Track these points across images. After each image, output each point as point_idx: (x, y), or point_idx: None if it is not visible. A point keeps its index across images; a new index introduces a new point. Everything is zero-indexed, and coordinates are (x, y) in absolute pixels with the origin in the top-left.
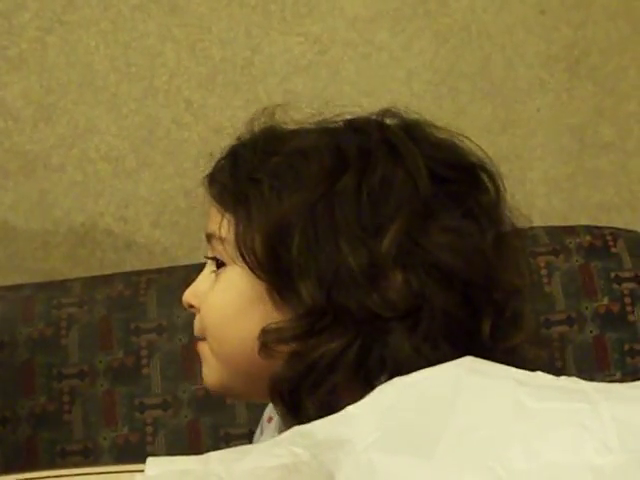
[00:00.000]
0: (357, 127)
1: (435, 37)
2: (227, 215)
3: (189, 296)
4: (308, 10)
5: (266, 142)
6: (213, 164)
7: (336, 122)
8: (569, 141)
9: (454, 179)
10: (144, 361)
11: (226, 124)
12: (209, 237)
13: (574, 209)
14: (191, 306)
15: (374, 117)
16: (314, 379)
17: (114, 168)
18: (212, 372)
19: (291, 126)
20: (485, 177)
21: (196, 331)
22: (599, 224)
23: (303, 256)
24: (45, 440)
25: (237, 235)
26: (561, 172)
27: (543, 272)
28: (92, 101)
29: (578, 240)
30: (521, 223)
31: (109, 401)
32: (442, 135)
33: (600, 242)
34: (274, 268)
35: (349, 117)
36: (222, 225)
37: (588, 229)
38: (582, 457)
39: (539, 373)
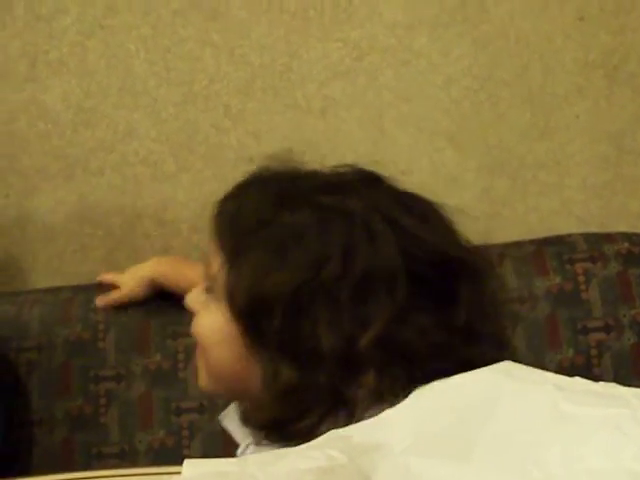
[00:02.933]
0: (346, 214)
1: (474, 43)
2: (222, 256)
3: (191, 302)
4: (347, 16)
5: (272, 197)
6: (223, 196)
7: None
8: (607, 148)
9: (429, 276)
10: (181, 365)
11: (264, 129)
12: (207, 262)
13: (612, 216)
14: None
15: (361, 188)
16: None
17: (153, 172)
18: (202, 378)
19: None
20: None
21: (194, 334)
22: (637, 231)
23: (280, 333)
24: (81, 442)
25: (227, 283)
26: (599, 179)
27: (581, 279)
28: (132, 105)
29: (616, 247)
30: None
31: (145, 404)
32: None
33: (638, 249)
34: (253, 329)
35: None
36: (216, 261)
37: (626, 236)
38: (620, 462)
39: (577, 378)
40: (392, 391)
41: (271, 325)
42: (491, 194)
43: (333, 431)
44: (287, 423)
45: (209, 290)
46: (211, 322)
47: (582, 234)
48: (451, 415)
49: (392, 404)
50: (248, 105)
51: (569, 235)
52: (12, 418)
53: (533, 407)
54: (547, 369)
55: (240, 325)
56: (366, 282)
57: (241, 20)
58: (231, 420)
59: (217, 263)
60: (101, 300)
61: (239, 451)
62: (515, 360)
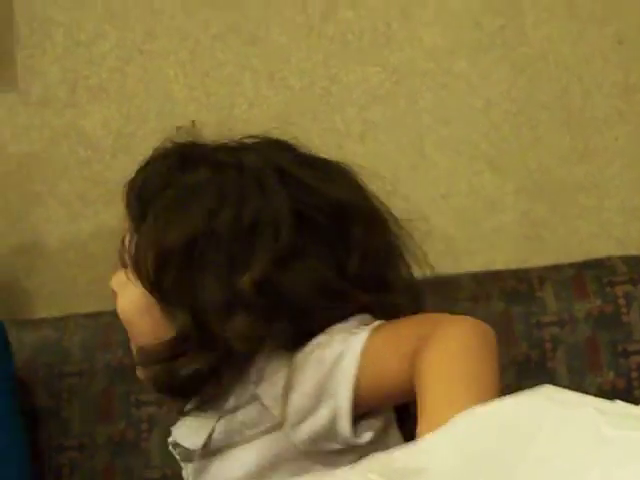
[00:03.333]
0: (239, 166)
1: (513, 67)
2: (130, 227)
3: (113, 283)
4: (386, 40)
5: (174, 163)
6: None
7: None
8: None
9: (321, 221)
10: None
11: None
12: (121, 242)
13: None
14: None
15: (262, 148)
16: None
17: None
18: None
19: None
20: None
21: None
22: None
23: (178, 286)
24: (123, 467)
25: (135, 251)
26: (638, 201)
27: (621, 302)
28: (171, 130)
29: None
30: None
31: None
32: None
33: None
34: (158, 289)
35: (246, 143)
36: (126, 234)
37: None
38: None
39: (619, 402)
40: (278, 339)
41: (169, 279)
42: (530, 217)
43: (374, 454)
44: (184, 380)
45: (124, 266)
46: (129, 298)
47: (622, 257)
48: (492, 440)
49: (289, 358)
50: (287, 129)
51: (609, 258)
52: (52, 443)
53: (574, 431)
54: (587, 392)
55: (147, 286)
56: (253, 229)
57: (280, 45)
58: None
59: (127, 238)
60: None
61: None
62: (555, 383)
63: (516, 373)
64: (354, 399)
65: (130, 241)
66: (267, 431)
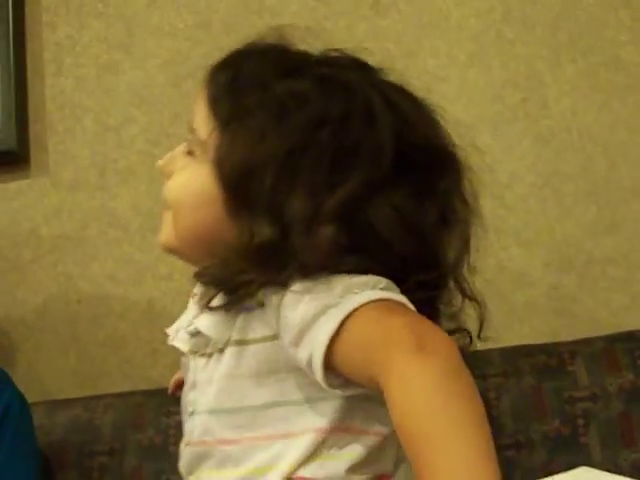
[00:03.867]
0: (347, 85)
1: (536, 140)
2: (214, 122)
3: (165, 164)
4: None
5: (272, 65)
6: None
7: (340, 62)
8: None
9: (417, 161)
10: None
11: None
12: (191, 128)
13: None
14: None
15: (361, 67)
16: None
17: None
18: (167, 236)
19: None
20: (449, 163)
21: (163, 197)
22: None
23: (268, 195)
24: None
25: (218, 149)
26: None
27: None
28: None
29: None
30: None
31: None
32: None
33: None
34: (241, 193)
35: (342, 59)
36: (206, 127)
37: None
38: None
39: None
40: (346, 265)
41: (258, 188)
42: (559, 290)
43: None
44: (241, 280)
45: (191, 154)
46: (192, 184)
47: None
48: None
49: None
50: None
51: (638, 331)
52: None
53: None
54: (622, 468)
55: (227, 188)
56: (354, 150)
57: None
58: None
59: (206, 129)
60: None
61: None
62: (588, 460)
63: (549, 449)
64: (327, 352)
65: (210, 136)
66: (274, 337)
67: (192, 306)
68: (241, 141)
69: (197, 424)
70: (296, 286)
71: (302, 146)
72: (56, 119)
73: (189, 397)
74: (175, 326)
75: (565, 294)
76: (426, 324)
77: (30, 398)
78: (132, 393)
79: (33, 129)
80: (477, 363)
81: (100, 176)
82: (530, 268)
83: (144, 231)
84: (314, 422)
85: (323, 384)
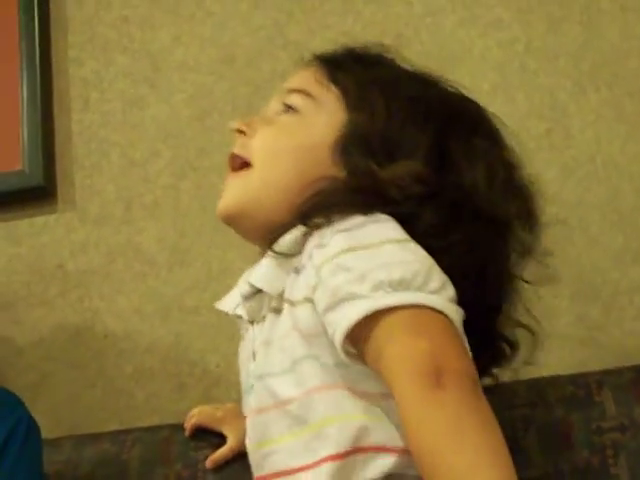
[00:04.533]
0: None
1: (562, 170)
2: (339, 103)
3: (247, 123)
4: None
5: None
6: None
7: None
8: None
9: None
10: None
11: None
12: (290, 90)
13: None
14: (241, 131)
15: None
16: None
17: None
18: (234, 200)
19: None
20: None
21: (241, 153)
22: None
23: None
24: None
25: (344, 123)
26: None
27: None
28: (225, 244)
29: None
30: None
31: None
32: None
33: None
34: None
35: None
36: (320, 86)
37: None
38: None
39: None
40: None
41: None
42: (586, 321)
43: None
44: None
45: (291, 110)
46: (302, 132)
47: None
48: None
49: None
50: None
51: None
52: None
53: None
54: None
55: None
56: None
57: None
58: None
59: (319, 88)
60: (212, 462)
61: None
62: None
63: None
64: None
65: (334, 110)
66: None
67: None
68: (368, 121)
69: (260, 391)
70: (341, 240)
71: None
72: (82, 154)
73: (250, 369)
74: (226, 300)
75: (592, 324)
76: (450, 352)
77: (57, 433)
78: (159, 427)
79: (60, 164)
80: (505, 394)
81: (126, 210)
82: (557, 298)
83: (170, 265)
84: None
85: (342, 355)
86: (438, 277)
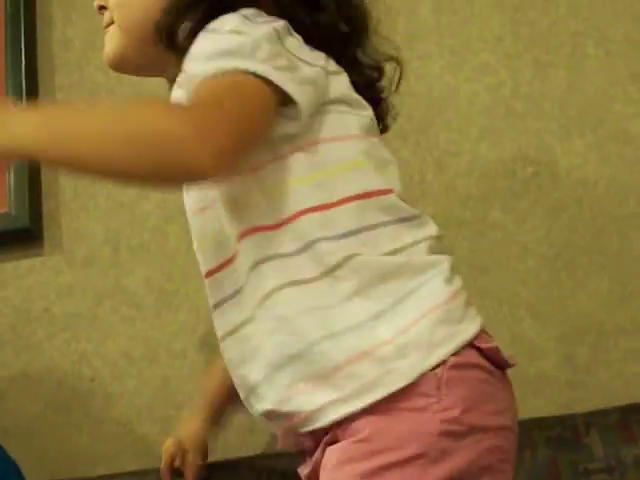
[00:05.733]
0: None
1: (548, 213)
2: None
3: None
4: (421, 191)
5: None
6: None
7: None
8: None
9: None
10: None
11: None
12: None
13: None
14: (102, 7)
15: None
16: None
17: None
18: (116, 45)
19: None
20: None
21: (107, 20)
22: None
23: None
24: None
25: None
26: None
27: None
28: None
29: None
30: None
31: None
32: None
33: None
34: None
35: None
36: None
37: None
38: None
39: None
40: None
41: None
42: (573, 362)
43: None
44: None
45: None
46: None
47: None
48: None
49: None
50: None
51: None
52: None
53: None
54: None
55: None
56: None
57: None
58: None
59: None
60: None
61: None
62: None
63: None
64: None
65: None
66: None
67: None
68: None
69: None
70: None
71: None
72: (69, 196)
73: None
74: None
75: (578, 366)
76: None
77: (43, 477)
78: (146, 471)
79: (47, 206)
80: None
81: (114, 253)
82: (543, 340)
83: (158, 308)
84: None
85: None
86: (268, 49)
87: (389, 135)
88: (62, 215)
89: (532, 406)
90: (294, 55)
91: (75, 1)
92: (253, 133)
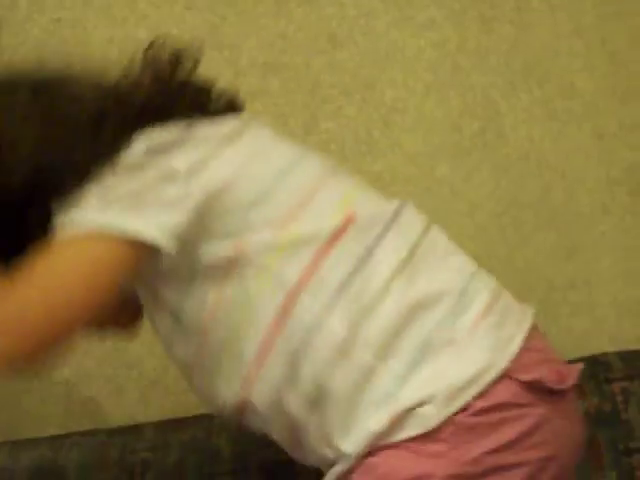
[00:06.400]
0: None
1: (495, 169)
2: None
3: None
4: (368, 149)
5: None
6: None
7: None
8: (636, 263)
9: None
10: None
11: None
12: None
13: None
14: None
15: None
16: None
17: None
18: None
19: None
20: None
21: None
22: None
23: None
24: None
25: None
26: (630, 295)
27: (619, 399)
28: None
29: None
30: None
31: None
32: None
33: None
34: None
35: None
36: None
37: None
38: None
39: None
40: None
41: None
42: None
43: None
44: None
45: None
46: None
47: (617, 352)
48: None
49: None
50: None
51: (604, 354)
52: None
53: None
54: None
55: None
56: None
57: None
58: None
59: None
60: None
61: None
62: None
63: None
64: None
65: None
66: None
67: None
68: None
69: None
70: None
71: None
72: None
73: None
74: None
75: None
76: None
77: None
78: (96, 431)
79: None
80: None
81: None
82: None
83: None
84: None
85: None
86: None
87: (334, 92)
88: None
89: None
90: None
91: None
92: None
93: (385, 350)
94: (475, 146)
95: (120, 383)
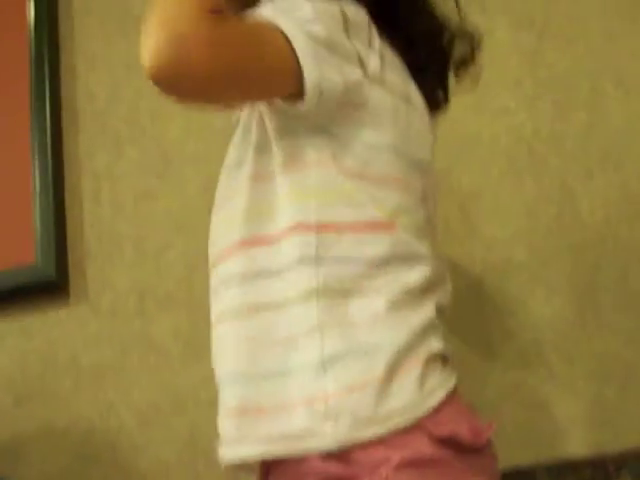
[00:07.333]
0: None
1: (572, 253)
2: None
3: None
4: (445, 235)
5: None
6: None
7: None
8: None
9: None
10: None
11: None
12: None
13: None
14: None
15: None
16: None
17: None
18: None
19: None
20: None
21: None
22: None
23: None
24: None
25: None
26: None
27: None
28: None
29: None
30: None
31: None
32: None
33: None
34: None
35: None
36: None
37: None
38: None
39: None
40: None
41: None
42: (601, 402)
43: None
44: None
45: None
46: None
47: None
48: None
49: None
50: None
51: None
52: None
53: None
54: None
55: None
56: None
57: None
58: None
59: None
60: None
61: None
62: None
63: None
64: None
65: None
66: None
67: None
68: None
69: None
70: None
71: None
72: (95, 247)
73: None
74: None
75: (607, 405)
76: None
77: None
78: None
79: (72, 257)
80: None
81: (139, 302)
82: (572, 380)
83: (185, 357)
84: None
85: None
86: (313, 16)
87: None
88: (87, 266)
89: (562, 447)
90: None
91: (98, 53)
92: (241, 77)
93: None
94: (551, 231)
95: (198, 472)
